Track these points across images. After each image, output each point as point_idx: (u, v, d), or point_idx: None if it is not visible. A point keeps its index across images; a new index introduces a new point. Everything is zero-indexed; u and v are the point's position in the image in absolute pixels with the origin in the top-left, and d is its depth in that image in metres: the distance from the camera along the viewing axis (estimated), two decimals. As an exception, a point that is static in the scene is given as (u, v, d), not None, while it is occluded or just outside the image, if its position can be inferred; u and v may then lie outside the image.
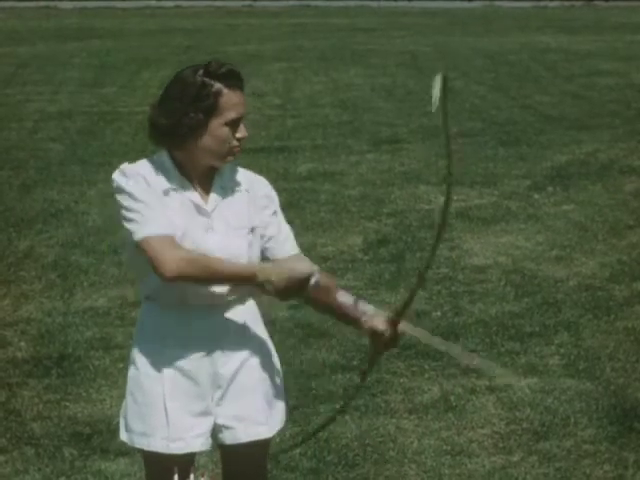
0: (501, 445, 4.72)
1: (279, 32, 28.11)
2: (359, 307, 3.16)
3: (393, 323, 3.13)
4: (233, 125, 3.04)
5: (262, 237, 3.16)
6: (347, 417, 4.97)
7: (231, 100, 3.03)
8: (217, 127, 3.02)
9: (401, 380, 5.40)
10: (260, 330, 3.25)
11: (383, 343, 3.18)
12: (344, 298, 3.18)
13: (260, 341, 3.23)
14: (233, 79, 3.04)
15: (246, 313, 3.19)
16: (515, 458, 4.60)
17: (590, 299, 6.60)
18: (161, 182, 3.05)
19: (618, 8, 38.17)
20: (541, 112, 14.10)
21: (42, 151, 11.60)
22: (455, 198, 9.25)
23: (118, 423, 3.26)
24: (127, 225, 3.01)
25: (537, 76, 18.22)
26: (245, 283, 3.02)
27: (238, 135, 3.06)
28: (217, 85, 3.01)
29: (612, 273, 7.12)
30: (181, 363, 3.10)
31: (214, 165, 3.09)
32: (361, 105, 14.92)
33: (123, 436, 3.20)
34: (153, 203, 3.00)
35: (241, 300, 3.16)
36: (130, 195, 3.01)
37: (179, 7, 40.42)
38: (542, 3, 40.23)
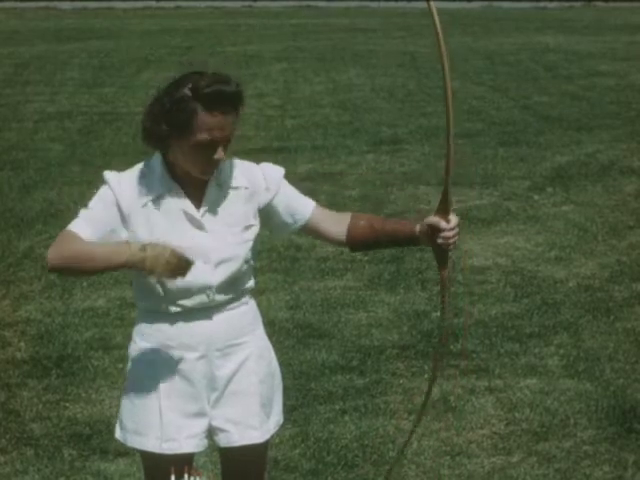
0: (500, 446, 4.72)
1: (279, 33, 28.11)
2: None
3: (444, 214, 3.05)
4: (205, 146, 2.95)
5: (280, 214, 3.18)
6: (347, 418, 4.97)
7: (205, 123, 2.92)
8: (185, 145, 2.95)
9: (400, 381, 5.40)
10: (259, 332, 3.25)
11: (446, 236, 3.07)
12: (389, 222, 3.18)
13: (259, 343, 3.22)
14: (216, 101, 2.92)
15: (245, 315, 3.19)
16: (514, 459, 4.60)
17: (590, 300, 6.60)
18: (143, 193, 3.02)
19: (618, 9, 38.17)
20: (541, 113, 14.11)
21: (42, 151, 11.61)
22: (455, 199, 9.26)
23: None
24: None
25: (536, 77, 18.22)
26: (121, 269, 2.96)
27: (215, 157, 2.97)
28: (194, 104, 2.91)
29: (612, 274, 7.12)
30: (177, 364, 3.10)
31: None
32: (361, 106, 14.93)
33: (118, 434, 3.20)
34: (97, 216, 2.98)
35: (240, 302, 3.17)
36: (92, 201, 3.03)
37: (179, 7, 40.42)
38: (541, 4, 40.25)
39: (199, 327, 3.09)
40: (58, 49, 23.19)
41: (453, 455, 4.64)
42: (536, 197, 9.27)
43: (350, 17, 34.62)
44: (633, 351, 5.77)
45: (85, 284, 6.95)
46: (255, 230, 3.14)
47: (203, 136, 2.93)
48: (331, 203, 9.02)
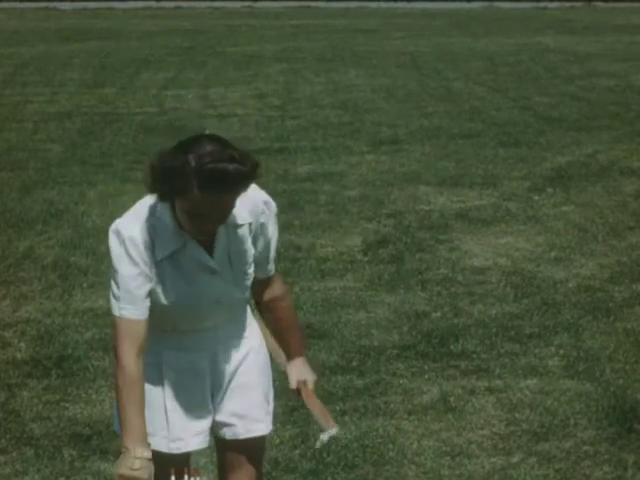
0: (500, 446, 4.71)
1: (279, 33, 28.12)
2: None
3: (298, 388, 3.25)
4: (194, 217, 2.88)
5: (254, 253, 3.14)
6: (346, 418, 4.97)
7: (195, 198, 2.83)
8: (179, 208, 2.90)
9: (401, 381, 5.40)
10: (255, 329, 3.28)
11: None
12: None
13: (256, 340, 3.26)
14: (213, 182, 2.80)
15: (245, 315, 3.22)
16: (515, 459, 4.59)
17: (590, 300, 6.60)
18: (157, 251, 2.96)
19: (618, 9, 38.19)
20: (541, 113, 14.11)
21: (42, 152, 11.60)
22: (455, 199, 9.28)
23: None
24: (111, 287, 2.98)
25: (537, 77, 18.23)
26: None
27: (208, 227, 2.93)
28: (191, 179, 2.80)
29: (612, 274, 7.12)
30: (180, 363, 3.11)
31: None
32: (361, 106, 14.93)
33: (117, 428, 3.19)
34: (133, 281, 2.93)
35: (242, 307, 3.20)
36: (116, 263, 2.95)
37: (179, 8, 40.44)
38: (542, 4, 40.28)
39: (202, 333, 3.12)
40: (58, 49, 23.19)
41: (453, 455, 4.63)
42: (536, 197, 9.27)
43: (350, 17, 34.62)
44: (633, 351, 5.77)
45: (85, 284, 6.95)
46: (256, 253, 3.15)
47: (194, 209, 2.86)
48: (331, 203, 9.02)
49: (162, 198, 2.92)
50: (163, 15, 36.93)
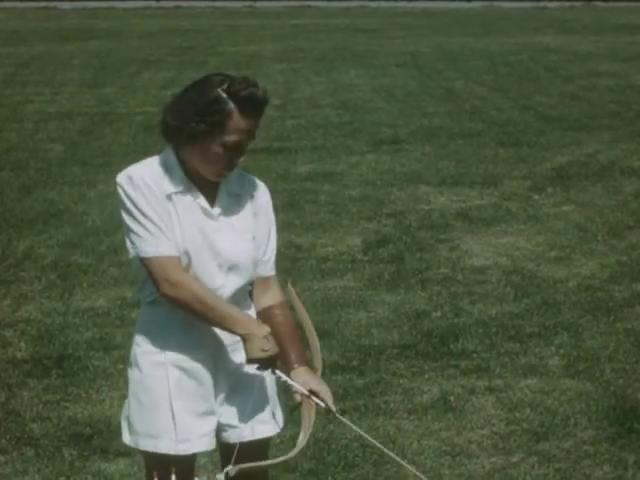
0: (501, 446, 4.71)
1: (279, 33, 28.14)
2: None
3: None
4: (231, 148, 2.99)
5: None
6: (347, 418, 4.96)
7: (238, 125, 2.97)
8: (211, 145, 2.98)
9: (401, 381, 5.40)
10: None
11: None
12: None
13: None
14: (251, 104, 2.97)
15: (246, 309, 3.20)
16: (515, 459, 4.60)
17: (590, 300, 6.60)
18: (166, 187, 3.03)
19: (618, 9, 38.23)
20: (541, 113, 14.12)
21: (42, 152, 11.61)
22: (455, 199, 9.28)
23: (118, 423, 3.25)
24: (131, 237, 3.02)
25: (537, 77, 18.25)
26: (229, 332, 3.06)
27: (237, 160, 3.02)
28: (231, 106, 2.95)
29: (612, 274, 7.12)
30: (185, 364, 3.10)
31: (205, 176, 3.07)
32: (361, 106, 14.93)
33: (127, 439, 3.18)
34: (158, 219, 3.00)
35: (244, 303, 3.18)
36: (136, 207, 3.00)
37: (179, 8, 40.47)
38: (542, 4, 40.32)
39: (205, 328, 3.10)
40: (58, 49, 23.21)
41: (453, 455, 4.63)
42: (536, 197, 9.28)
43: (350, 17, 34.65)
44: (633, 351, 5.77)
45: (85, 284, 6.95)
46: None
47: (233, 138, 2.97)
48: (331, 203, 9.02)
49: (192, 139, 2.98)
50: (163, 15, 36.95)
